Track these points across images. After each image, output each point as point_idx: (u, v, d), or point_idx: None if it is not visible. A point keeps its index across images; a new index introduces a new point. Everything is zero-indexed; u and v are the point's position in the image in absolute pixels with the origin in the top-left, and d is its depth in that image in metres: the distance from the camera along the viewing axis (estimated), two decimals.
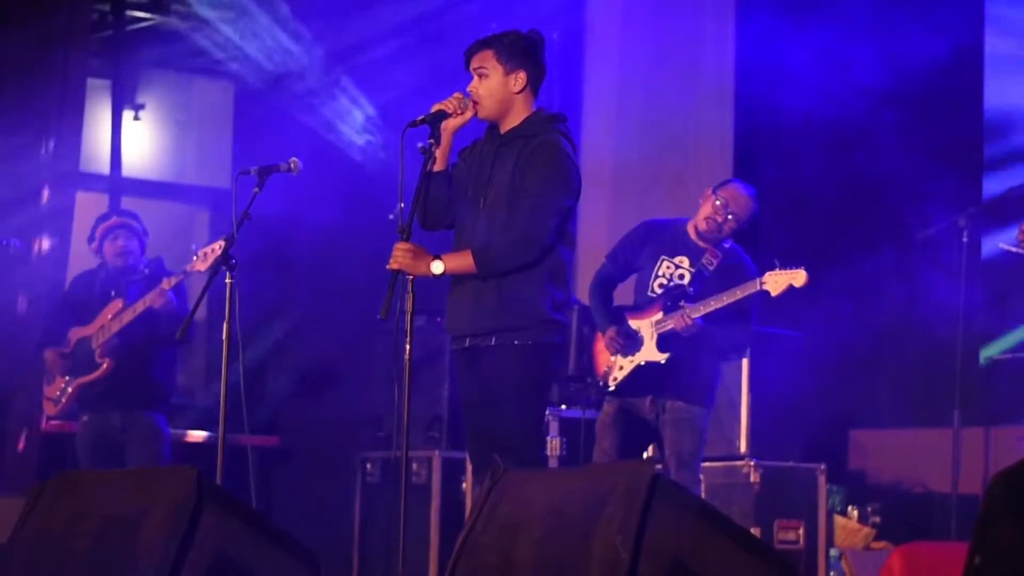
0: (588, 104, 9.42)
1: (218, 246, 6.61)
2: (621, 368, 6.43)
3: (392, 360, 5.04)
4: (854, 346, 8.72)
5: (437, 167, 5.28)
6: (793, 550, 7.20)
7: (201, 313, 7.50)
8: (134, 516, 4.39)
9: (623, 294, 6.69)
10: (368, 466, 8.50)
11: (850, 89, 8.72)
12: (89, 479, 5.00)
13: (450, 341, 5.44)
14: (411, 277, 5.09)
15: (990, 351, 8.30)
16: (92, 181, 9.18)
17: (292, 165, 5.81)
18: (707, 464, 7.33)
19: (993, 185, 8.54)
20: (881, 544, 7.81)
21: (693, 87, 9.18)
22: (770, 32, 8.87)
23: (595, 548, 3.74)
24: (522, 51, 5.28)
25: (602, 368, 6.53)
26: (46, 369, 7.40)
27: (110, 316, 7.18)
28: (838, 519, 7.82)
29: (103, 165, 9.42)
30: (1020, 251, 7.12)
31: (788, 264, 6.25)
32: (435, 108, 5.25)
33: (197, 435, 8.67)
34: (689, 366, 6.38)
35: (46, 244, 8.27)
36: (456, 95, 5.27)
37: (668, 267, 6.49)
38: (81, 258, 7.83)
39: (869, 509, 7.97)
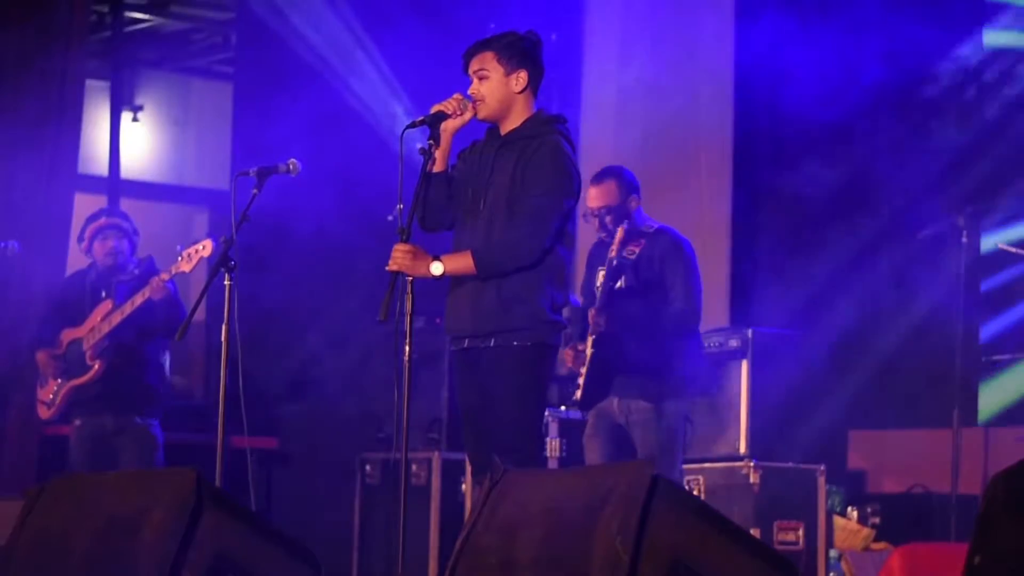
0: (587, 105, 9.42)
1: (202, 246, 6.61)
2: (579, 379, 6.42)
3: (392, 361, 5.04)
4: (854, 346, 8.72)
5: (437, 168, 5.28)
6: (793, 551, 7.19)
7: (200, 314, 7.49)
8: (134, 517, 4.39)
9: None
10: (368, 467, 8.50)
11: (850, 89, 8.72)
12: (88, 481, 5.00)
13: (449, 342, 5.44)
14: (410, 278, 5.09)
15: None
16: (91, 183, 9.19)
17: (291, 166, 5.80)
18: (707, 465, 7.34)
19: (993, 185, 8.53)
20: (881, 545, 7.80)
21: (693, 87, 9.18)
22: (770, 32, 8.86)
23: (595, 549, 3.73)
24: (522, 51, 5.29)
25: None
26: (39, 371, 7.38)
27: (100, 318, 7.16)
28: (838, 520, 7.81)
29: (102, 166, 9.43)
30: (1020, 251, 7.12)
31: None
32: (434, 109, 5.25)
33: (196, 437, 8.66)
34: (639, 360, 6.32)
35: (44, 245, 8.27)
36: (456, 96, 5.27)
37: (600, 278, 6.49)
38: (80, 259, 7.82)
39: (869, 510, 7.96)
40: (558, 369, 6.81)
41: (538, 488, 4.16)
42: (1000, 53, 8.59)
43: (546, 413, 6.43)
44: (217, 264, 5.64)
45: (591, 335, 6.28)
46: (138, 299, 6.97)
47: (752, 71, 9.06)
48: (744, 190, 9.16)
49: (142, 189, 9.77)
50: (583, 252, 6.71)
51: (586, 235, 6.50)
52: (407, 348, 5.05)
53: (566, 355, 6.35)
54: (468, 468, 6.68)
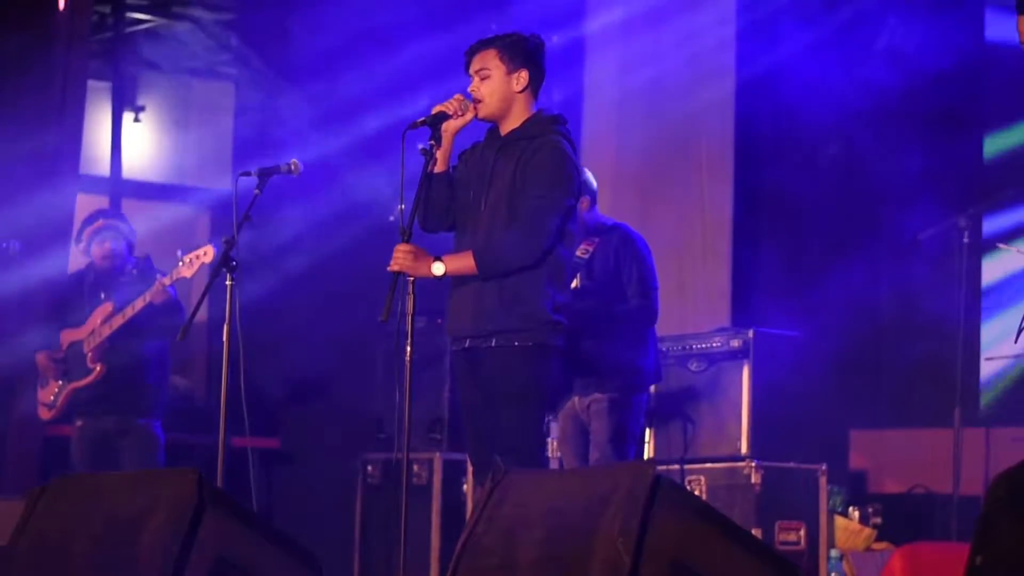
0: (588, 106, 9.42)
1: (203, 252, 6.60)
2: None
3: (393, 362, 5.04)
4: (854, 346, 8.72)
5: (438, 169, 5.29)
6: (794, 551, 7.20)
7: (201, 315, 7.49)
8: (135, 518, 4.39)
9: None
10: (369, 468, 8.50)
11: (851, 89, 8.72)
12: (90, 481, 5.00)
13: (450, 342, 5.44)
14: (412, 279, 5.10)
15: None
16: (92, 183, 9.17)
17: (293, 166, 5.80)
18: (708, 465, 7.34)
19: (993, 185, 8.54)
20: (882, 545, 7.80)
21: (693, 88, 9.18)
22: (771, 33, 8.86)
23: (597, 549, 3.74)
24: (524, 52, 5.30)
25: None
26: (39, 372, 7.38)
27: (100, 320, 7.16)
28: (839, 520, 7.82)
29: (103, 167, 9.41)
30: (1020, 251, 7.12)
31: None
32: (435, 110, 5.25)
33: (197, 438, 8.66)
34: (597, 358, 6.38)
35: (46, 246, 8.27)
36: (456, 97, 5.27)
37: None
38: (80, 260, 7.82)
39: (870, 510, 7.96)
40: None
41: (539, 489, 4.16)
42: (1001, 52, 8.60)
43: (547, 414, 6.45)
44: (219, 265, 5.64)
45: None
46: (139, 303, 6.97)
47: (753, 72, 9.06)
48: (745, 191, 9.17)
49: (143, 189, 9.76)
50: None
51: None
52: (408, 348, 5.05)
53: None
54: (469, 468, 6.68)
